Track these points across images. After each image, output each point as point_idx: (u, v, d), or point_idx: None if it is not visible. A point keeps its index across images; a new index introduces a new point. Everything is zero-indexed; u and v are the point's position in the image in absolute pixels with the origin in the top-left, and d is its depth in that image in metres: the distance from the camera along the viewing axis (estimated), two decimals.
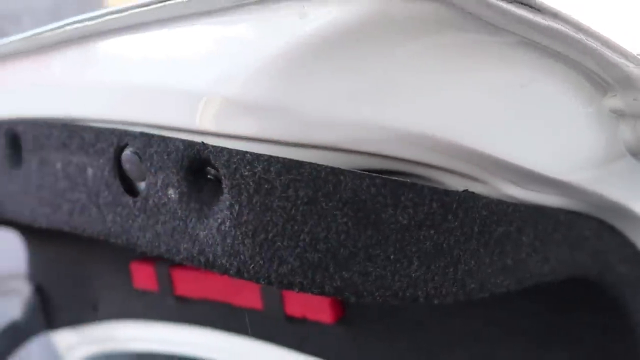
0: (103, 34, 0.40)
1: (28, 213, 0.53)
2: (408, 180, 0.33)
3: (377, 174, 0.33)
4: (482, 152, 0.32)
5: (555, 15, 0.27)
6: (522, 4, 0.26)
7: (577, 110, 0.34)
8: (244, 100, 0.32)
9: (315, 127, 0.32)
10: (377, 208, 0.32)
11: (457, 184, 0.36)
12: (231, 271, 0.35)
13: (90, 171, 0.44)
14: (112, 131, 0.41)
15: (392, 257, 0.33)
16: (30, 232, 1.26)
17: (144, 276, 1.09)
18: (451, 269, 0.34)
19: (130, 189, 0.42)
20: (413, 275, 0.33)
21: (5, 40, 0.46)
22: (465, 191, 0.35)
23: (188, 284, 1.03)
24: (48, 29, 0.42)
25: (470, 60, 0.30)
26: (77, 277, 1.25)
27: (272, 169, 0.33)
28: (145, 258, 1.08)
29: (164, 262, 1.04)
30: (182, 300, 1.05)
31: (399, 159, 0.34)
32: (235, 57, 0.32)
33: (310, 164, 0.32)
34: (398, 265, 0.33)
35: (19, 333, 1.25)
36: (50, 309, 1.30)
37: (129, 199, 0.41)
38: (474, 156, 0.33)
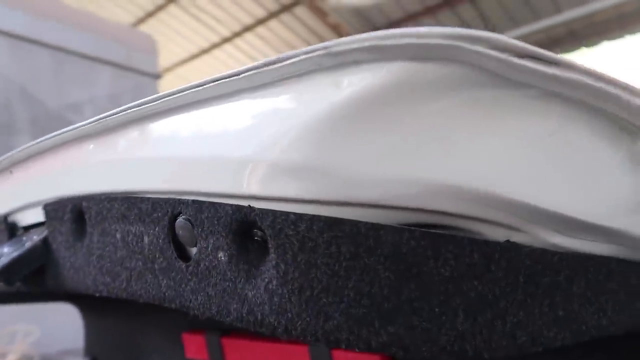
0: (157, 114, 0.45)
1: (90, 283, 0.56)
2: (447, 232, 0.34)
3: (416, 228, 0.34)
4: (518, 200, 0.33)
5: (571, 66, 0.29)
6: (535, 58, 0.28)
7: (609, 155, 0.34)
8: (287, 164, 0.34)
9: (354, 185, 0.33)
10: (418, 261, 0.33)
11: (498, 235, 0.36)
12: (279, 330, 0.36)
13: (146, 239, 0.47)
14: (167, 201, 0.45)
15: (436, 309, 0.33)
16: (86, 307, 1.31)
17: (195, 346, 1.10)
18: (499, 321, 0.34)
19: (182, 254, 0.44)
20: (460, 328, 0.33)
21: (72, 126, 0.52)
22: (507, 241, 0.35)
23: (239, 352, 1.03)
24: (109, 114, 0.47)
25: (495, 113, 0.31)
26: (130, 349, 1.27)
27: (314, 227, 0.34)
28: (196, 328, 1.09)
29: (214, 332, 1.05)
30: None
31: (438, 212, 0.35)
32: (277, 125, 0.35)
33: (350, 220, 0.34)
34: (444, 318, 0.33)
35: None
36: None
37: (181, 264, 0.43)
38: (511, 206, 0.33)
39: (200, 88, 0.38)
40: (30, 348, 3.02)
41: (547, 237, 0.36)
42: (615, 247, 0.41)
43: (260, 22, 8.09)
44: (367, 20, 7.95)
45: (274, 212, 0.36)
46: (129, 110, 0.45)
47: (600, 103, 0.31)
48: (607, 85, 0.30)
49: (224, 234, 0.39)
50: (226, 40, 8.59)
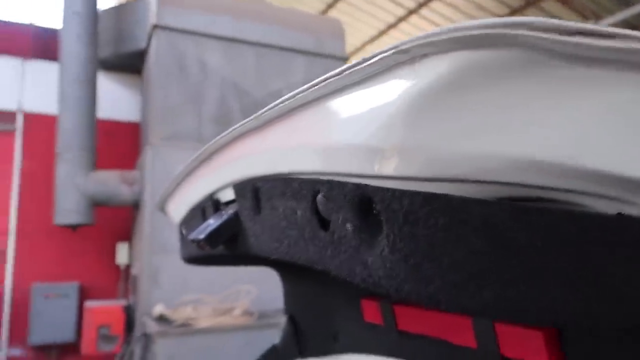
0: (288, 113, 0.53)
1: (265, 248, 0.69)
2: (538, 205, 0.34)
3: (506, 200, 0.35)
4: (607, 172, 0.32)
5: (627, 36, 0.27)
6: (585, 34, 0.27)
7: None
8: (388, 147, 0.39)
9: (445, 162, 0.36)
10: (508, 232, 0.35)
11: (609, 208, 0.35)
12: (391, 290, 0.42)
13: (299, 212, 0.57)
14: (310, 180, 0.53)
15: (528, 277, 0.34)
16: (283, 270, 1.52)
17: (371, 311, 1.20)
18: (603, 293, 0.34)
19: (323, 225, 0.52)
20: (555, 296, 0.34)
21: (241, 122, 0.64)
22: (618, 214, 0.34)
23: (409, 319, 1.09)
24: (263, 111, 0.58)
25: (566, 88, 0.31)
26: (321, 309, 1.44)
27: (415, 202, 0.39)
28: (372, 294, 1.19)
29: (387, 298, 1.14)
30: (404, 335, 1.12)
31: (537, 186, 0.36)
32: (377, 113, 0.40)
33: (444, 195, 0.37)
34: (536, 285, 0.34)
35: (277, 357, 1.49)
36: (301, 337, 1.52)
37: (322, 233, 0.52)
38: (603, 177, 0.32)
39: (315, 87, 0.45)
40: (251, 305, 3.59)
41: None
42: None
43: None
44: None
45: (383, 188, 0.41)
46: (273, 109, 0.55)
47: None
48: None
49: (349, 208, 0.46)
50: (412, 12, 8.50)
